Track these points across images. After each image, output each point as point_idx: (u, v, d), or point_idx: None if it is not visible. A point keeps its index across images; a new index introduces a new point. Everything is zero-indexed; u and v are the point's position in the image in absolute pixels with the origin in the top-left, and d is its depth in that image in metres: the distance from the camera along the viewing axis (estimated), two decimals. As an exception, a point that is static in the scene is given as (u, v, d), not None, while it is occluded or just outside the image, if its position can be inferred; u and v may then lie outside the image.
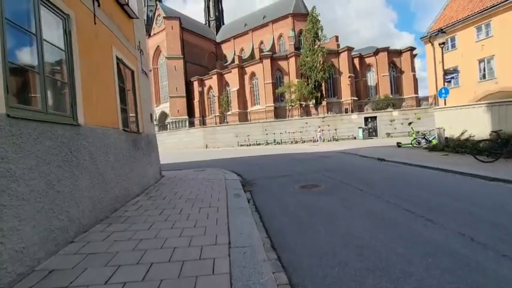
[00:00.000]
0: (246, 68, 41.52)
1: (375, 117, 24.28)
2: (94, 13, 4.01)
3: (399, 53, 40.66)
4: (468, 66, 18.25)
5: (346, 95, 37.33)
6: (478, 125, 8.06)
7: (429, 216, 3.40)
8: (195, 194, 5.20)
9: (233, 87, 41.55)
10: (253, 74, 41.19)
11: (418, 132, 12.58)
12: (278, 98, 38.33)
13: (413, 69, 40.50)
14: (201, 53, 51.27)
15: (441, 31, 10.56)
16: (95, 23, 4.05)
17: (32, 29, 2.70)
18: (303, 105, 33.45)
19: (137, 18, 5.98)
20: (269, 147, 22.46)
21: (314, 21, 32.05)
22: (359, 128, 23.34)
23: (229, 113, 39.90)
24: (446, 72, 11.08)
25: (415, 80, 40.41)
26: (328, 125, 25.01)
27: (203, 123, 34.26)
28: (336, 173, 7.03)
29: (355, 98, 36.76)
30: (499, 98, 12.52)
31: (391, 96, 35.85)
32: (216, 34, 57.75)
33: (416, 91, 39.55)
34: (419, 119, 21.83)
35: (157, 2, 51.35)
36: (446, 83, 10.90)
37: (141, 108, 6.08)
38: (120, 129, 4.67)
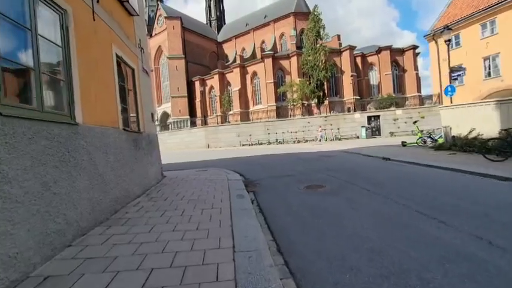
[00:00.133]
0: (248, 68, 41.41)
1: (378, 116, 24.07)
2: (93, 9, 3.89)
3: (402, 51, 40.39)
4: (473, 64, 18.00)
5: (349, 94, 37.12)
6: (487, 123, 7.88)
7: (442, 218, 3.25)
8: (197, 195, 5.08)
9: (235, 86, 41.46)
10: (254, 74, 41.08)
11: (422, 131, 12.38)
12: (280, 97, 38.21)
13: (416, 68, 40.25)
14: (202, 52, 51.21)
15: (447, 28, 10.35)
16: (94, 20, 3.93)
17: (26, 24, 2.58)
18: (305, 105, 33.29)
19: (137, 15, 5.86)
20: (271, 147, 22.32)
21: (316, 20, 31.86)
22: (362, 127, 23.15)
23: (231, 112, 39.81)
24: (452, 70, 10.88)
25: (418, 79, 40.14)
26: (331, 124, 24.83)
27: (205, 123, 34.19)
28: (340, 172, 6.88)
29: (358, 97, 36.54)
30: (504, 96, 12.31)
31: (393, 95, 35.58)
32: (218, 34, 57.67)
33: (419, 90, 39.28)
34: (423, 117, 21.59)
35: (158, 2, 51.41)
36: (452, 81, 10.70)
37: (141, 107, 5.96)
38: (120, 128, 4.56)
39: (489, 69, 17.65)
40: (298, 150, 15.52)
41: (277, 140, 25.62)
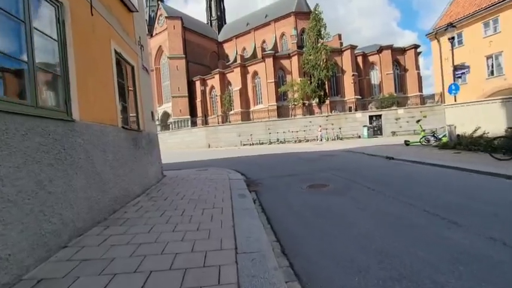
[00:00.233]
0: (249, 67, 41.32)
1: (380, 116, 23.92)
2: (91, 3, 3.78)
3: (403, 50, 40.19)
4: (476, 62, 17.84)
5: (350, 94, 36.96)
6: (492, 122, 7.74)
7: (451, 218, 3.13)
8: (197, 195, 4.97)
9: (235, 86, 41.37)
10: (255, 73, 40.98)
11: (424, 130, 12.24)
12: (281, 97, 38.09)
13: (417, 67, 40.04)
14: (203, 52, 51.13)
15: (451, 25, 10.22)
16: (92, 14, 3.82)
17: (20, 16, 2.48)
18: (306, 104, 33.16)
19: (137, 11, 5.76)
20: (272, 147, 22.21)
21: (317, 19, 31.71)
22: (364, 126, 23.01)
23: (231, 112, 39.69)
24: (456, 68, 10.73)
25: (420, 78, 39.93)
26: (332, 124, 24.70)
27: (205, 122, 34.09)
28: (344, 172, 6.76)
29: (359, 97, 36.38)
30: (508, 94, 12.17)
31: (395, 94, 35.41)
32: (218, 33, 57.57)
33: (420, 89, 39.08)
34: (425, 117, 21.43)
35: (159, 2, 51.33)
36: (456, 79, 10.56)
37: (141, 106, 5.86)
38: (119, 126, 4.45)
39: (492, 67, 17.50)
40: (300, 150, 15.40)
41: (278, 139, 25.50)
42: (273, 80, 38.54)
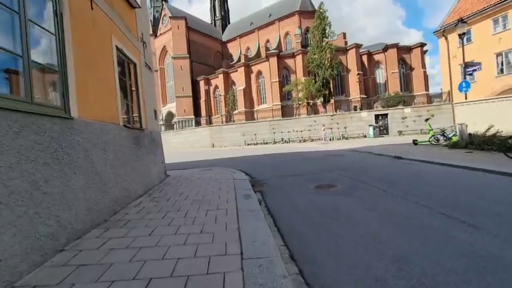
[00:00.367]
0: (253, 67, 41.17)
1: (386, 115, 23.56)
2: (90, -3, 3.66)
3: (409, 49, 39.64)
4: (485, 60, 17.36)
5: (355, 93, 36.57)
6: (506, 120, 7.47)
7: (470, 221, 2.93)
8: (201, 195, 4.82)
9: (239, 86, 41.26)
10: (259, 73, 40.81)
11: (431, 129, 11.93)
12: (285, 96, 37.86)
13: (423, 66, 39.47)
14: (207, 52, 51.13)
15: (462, 21, 9.92)
16: (92, 8, 3.69)
17: (14, 7, 2.35)
18: (311, 104, 32.88)
19: (139, 7, 5.64)
20: (277, 146, 22.02)
21: (322, 18, 31.43)
22: (370, 125, 22.68)
23: (235, 112, 39.58)
24: (467, 65, 10.43)
25: (426, 77, 39.35)
26: (338, 123, 24.41)
27: (209, 122, 34.04)
28: (351, 172, 6.56)
29: (364, 96, 35.98)
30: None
31: (401, 93, 34.92)
32: (222, 33, 57.56)
33: (427, 88, 38.50)
34: (432, 116, 21.03)
35: (163, 2, 51.41)
36: (467, 76, 10.26)
37: (144, 104, 5.74)
38: (120, 125, 4.32)
39: (502, 65, 17.07)
40: (305, 150, 15.20)
41: (282, 139, 25.29)
42: (277, 80, 38.34)
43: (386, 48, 39.24)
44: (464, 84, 9.74)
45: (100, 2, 3.95)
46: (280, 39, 46.94)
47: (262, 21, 50.00)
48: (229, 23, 61.09)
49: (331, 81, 33.13)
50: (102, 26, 4.01)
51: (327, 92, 32.27)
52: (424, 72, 39.12)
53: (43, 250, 2.37)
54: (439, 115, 21.50)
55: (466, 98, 9.78)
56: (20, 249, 2.13)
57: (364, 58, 39.20)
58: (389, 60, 39.06)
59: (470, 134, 8.42)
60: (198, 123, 34.10)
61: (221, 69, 44.83)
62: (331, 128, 23.91)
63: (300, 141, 24.39)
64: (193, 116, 42.10)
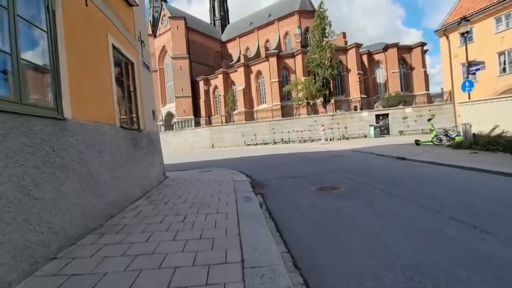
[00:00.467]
0: (252, 67, 41.04)
1: (387, 115, 23.43)
2: (85, -6, 3.53)
3: (409, 49, 39.49)
4: (487, 59, 17.20)
5: (355, 93, 36.43)
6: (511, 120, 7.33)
7: (484, 227, 2.80)
8: (200, 198, 4.69)
9: (239, 86, 41.12)
10: (259, 73, 40.68)
11: (433, 130, 11.79)
12: (285, 96, 37.72)
13: (424, 66, 39.31)
14: (206, 52, 50.99)
15: (465, 19, 9.79)
16: (87, 5, 3.56)
17: (2, 2, 2.22)
18: (311, 104, 32.75)
19: (137, 5, 5.51)
20: (277, 147, 21.89)
21: (322, 17, 31.30)
22: (370, 125, 22.54)
23: (235, 112, 39.43)
24: (470, 64, 10.29)
25: (426, 77, 39.22)
26: (338, 123, 24.27)
27: (209, 122, 33.90)
28: (354, 173, 6.43)
29: (364, 96, 35.84)
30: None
31: (401, 93, 34.78)
32: (222, 33, 57.43)
33: (427, 88, 38.35)
34: (433, 115, 20.92)
35: (162, 2, 51.28)
36: (470, 76, 10.12)
37: (142, 104, 5.61)
38: (117, 125, 4.19)
39: (504, 64, 16.93)
40: (305, 150, 15.07)
41: (282, 139, 25.15)
42: (277, 80, 38.21)
43: (386, 47, 39.10)
44: (467, 84, 9.61)
45: (96, -1, 3.83)
46: (279, 39, 46.81)
47: (261, 21, 49.87)
48: (228, 23, 60.96)
49: (331, 81, 32.99)
50: (97, 23, 3.88)
51: (327, 92, 32.14)
52: (425, 72, 38.98)
53: (33, 258, 2.24)
54: (440, 115, 21.38)
55: (469, 98, 9.65)
56: (9, 258, 2.00)
57: (364, 58, 39.06)
58: (389, 59, 38.92)
59: (474, 134, 8.29)
60: (197, 124, 33.96)
61: (221, 69, 44.70)
62: (332, 128, 23.78)
63: (300, 141, 24.26)
64: (192, 117, 41.93)
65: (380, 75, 40.18)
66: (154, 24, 50.76)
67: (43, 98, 2.74)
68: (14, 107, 2.23)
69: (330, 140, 22.54)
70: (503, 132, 7.41)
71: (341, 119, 24.63)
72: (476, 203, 3.59)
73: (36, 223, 2.31)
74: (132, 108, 5.25)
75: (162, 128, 40.06)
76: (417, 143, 11.48)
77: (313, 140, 23.79)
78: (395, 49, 38.68)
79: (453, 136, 9.89)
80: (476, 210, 3.33)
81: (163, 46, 47.52)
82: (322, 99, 32.18)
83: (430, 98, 31.20)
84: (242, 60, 42.22)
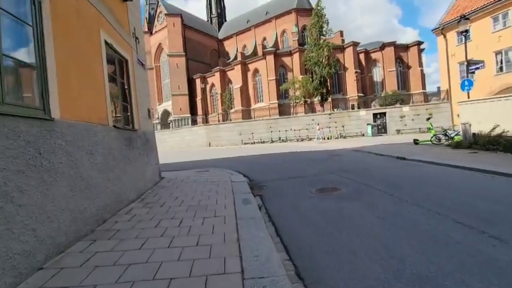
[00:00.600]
0: (249, 65, 40.75)
1: (384, 114, 23.39)
2: (75, -14, 3.34)
3: (406, 47, 39.48)
4: (484, 58, 17.17)
5: (352, 91, 36.36)
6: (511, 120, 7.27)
7: (492, 232, 2.69)
8: (197, 200, 4.55)
9: (236, 84, 40.83)
10: (256, 71, 40.42)
11: (430, 128, 11.74)
12: (282, 94, 37.55)
13: (420, 64, 39.35)
14: (203, 50, 50.54)
15: (464, 17, 9.72)
16: (77, -1, 3.38)
17: (-20, -8, 2.04)
18: (308, 102, 32.62)
19: (131, 0, 5.31)
20: (274, 145, 21.76)
21: (319, 15, 31.12)
22: (368, 124, 22.49)
23: (232, 110, 39.16)
24: (470, 63, 10.24)
25: (423, 75, 39.30)
26: (336, 122, 24.18)
27: (206, 121, 33.65)
28: (354, 173, 6.32)
29: (361, 94, 35.81)
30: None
31: (398, 91, 34.80)
32: (218, 31, 56.94)
33: (424, 86, 38.44)
34: (430, 114, 20.95)
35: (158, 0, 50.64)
36: (470, 75, 10.06)
37: (136, 103, 5.43)
38: (109, 125, 4.02)
39: (501, 63, 16.95)
40: (303, 149, 14.96)
41: (280, 138, 25.02)
42: (274, 78, 37.97)
43: (383, 46, 39.04)
44: (466, 83, 9.55)
45: (86, -8, 3.64)
46: (277, 37, 46.54)
47: (258, 19, 49.52)
48: (225, 20, 60.46)
49: (328, 80, 32.87)
50: (88, 18, 3.69)
51: (324, 91, 32.01)
52: (421, 71, 39.02)
53: (17, 270, 2.08)
54: (437, 114, 21.40)
55: (468, 97, 9.60)
56: (-12, 271, 1.84)
57: (362, 56, 38.95)
58: (386, 58, 38.88)
59: (474, 134, 8.23)
60: (194, 122, 33.66)
61: (217, 67, 44.32)
62: (329, 127, 23.68)
63: (297, 140, 24.15)
64: (189, 115, 41.54)
65: (377, 73, 40.15)
66: (151, 21, 50.12)
67: (28, 97, 2.56)
68: (-6, 106, 2.06)
69: (328, 138, 22.45)
70: (503, 132, 7.35)
71: (338, 118, 24.55)
72: (481, 206, 3.49)
73: (20, 232, 2.15)
74: (126, 107, 5.07)
75: (159, 126, 39.73)
76: (416, 142, 11.42)
77: (310, 139, 23.68)
78: (392, 48, 38.64)
79: (452, 135, 9.84)
80: (481, 212, 3.22)
81: (160, 43, 46.99)
82: (320, 98, 32.06)
83: (427, 97, 31.25)
84: (239, 58, 41.87)
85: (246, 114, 33.82)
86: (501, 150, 6.98)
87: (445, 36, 19.44)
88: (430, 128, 11.45)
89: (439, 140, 10.62)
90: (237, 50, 49.02)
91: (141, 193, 4.95)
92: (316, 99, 32.69)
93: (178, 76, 44.88)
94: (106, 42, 4.14)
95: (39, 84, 2.62)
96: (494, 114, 7.86)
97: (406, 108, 23.09)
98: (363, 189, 4.84)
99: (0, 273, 1.94)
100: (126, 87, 5.12)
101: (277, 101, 37.07)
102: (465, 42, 9.79)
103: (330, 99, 32.51)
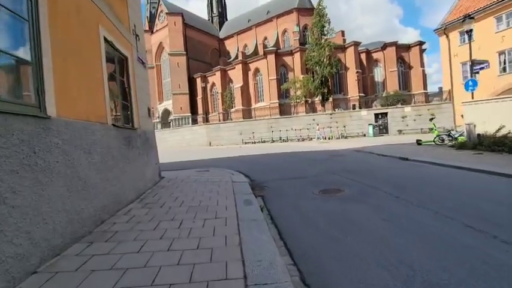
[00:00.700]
0: (250, 64, 40.64)
1: (386, 114, 23.27)
2: (73, -20, 3.24)
3: (408, 47, 39.31)
4: (486, 59, 17.10)
5: (353, 92, 36.23)
6: (517, 120, 7.16)
7: (504, 236, 2.59)
8: (198, 200, 4.45)
9: (237, 83, 40.72)
10: (257, 70, 40.31)
11: (436, 129, 11.62)
12: (283, 94, 37.44)
13: (422, 65, 39.20)
14: (204, 49, 50.44)
15: (469, 17, 9.60)
16: (75, -7, 3.28)
17: (-28, -16, 1.95)
18: (309, 102, 32.51)
19: (131, -4, 5.22)
20: (275, 145, 21.67)
21: (321, 14, 30.99)
22: (369, 124, 22.37)
23: (232, 109, 39.05)
24: (474, 62, 10.12)
25: (424, 76, 39.15)
26: (337, 122, 24.07)
27: (206, 120, 33.56)
28: (356, 174, 6.22)
29: (362, 94, 35.68)
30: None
31: (400, 92, 34.66)
32: (219, 30, 56.83)
33: (425, 87, 38.29)
34: (432, 115, 20.82)
35: (159, -2, 50.50)
36: (474, 75, 9.95)
37: (136, 101, 5.33)
38: (108, 124, 3.92)
39: (504, 64, 16.82)
40: (304, 149, 14.86)
41: (281, 138, 24.91)
42: (275, 77, 37.85)
43: (385, 46, 38.89)
44: (471, 83, 9.44)
45: (85, -13, 3.54)
46: (278, 36, 46.40)
47: (259, 18, 49.40)
48: (226, 19, 60.33)
49: (329, 79, 32.74)
50: (87, 14, 3.59)
51: (325, 90, 31.88)
52: (423, 71, 38.88)
53: (9, 275, 1.98)
54: (439, 114, 21.27)
55: (472, 97, 9.48)
56: (-23, 277, 1.74)
57: (363, 56, 38.81)
58: (388, 58, 38.73)
59: (479, 135, 8.11)
60: (194, 121, 33.57)
61: (218, 66, 44.21)
62: (330, 127, 23.57)
63: (298, 140, 24.05)
64: (190, 114, 41.42)
65: (378, 73, 40.01)
66: (152, 20, 50.01)
67: (23, 94, 2.46)
68: (-14, 103, 1.97)
69: (329, 138, 22.34)
70: (509, 132, 7.24)
71: (340, 118, 24.43)
72: (489, 208, 3.39)
73: (13, 234, 2.06)
74: (125, 106, 4.98)
75: (159, 126, 39.65)
76: (419, 142, 11.31)
77: (311, 139, 23.59)
78: (394, 48, 38.48)
79: (456, 136, 9.74)
80: (492, 216, 3.12)
81: (160, 42, 46.89)
82: (321, 98, 31.94)
83: (428, 97, 31.13)
84: (240, 58, 41.74)
85: (247, 114, 33.74)
86: (507, 152, 6.88)
87: (447, 36, 19.30)
88: (433, 129, 11.32)
89: (443, 140, 10.50)
90: (237, 50, 48.91)
91: (140, 193, 4.85)
92: (317, 99, 32.58)
93: (179, 75, 44.79)
94: (105, 39, 4.04)
95: (35, 80, 2.53)
96: (500, 114, 7.75)
97: (408, 109, 22.97)
98: (367, 190, 4.74)
99: (-8, 278, 1.84)
100: (125, 85, 5.02)
101: (278, 101, 36.96)
102: (469, 42, 9.67)
103: (331, 99, 32.39)
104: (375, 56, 39.74)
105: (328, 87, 32.29)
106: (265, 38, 48.02)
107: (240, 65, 40.26)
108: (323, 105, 31.01)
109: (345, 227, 3.14)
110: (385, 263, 2.27)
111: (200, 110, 43.46)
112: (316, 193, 4.79)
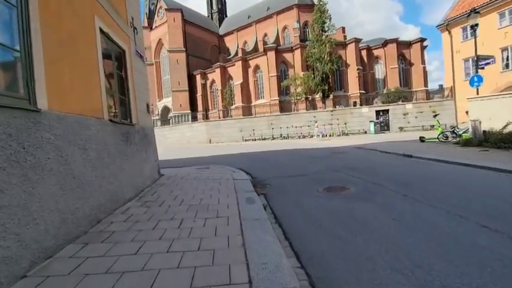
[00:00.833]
0: (250, 61, 40.34)
1: (387, 111, 23.11)
2: (66, -34, 3.06)
3: (408, 44, 39.05)
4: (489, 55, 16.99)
5: (354, 88, 36.01)
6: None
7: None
8: (198, 199, 4.31)
9: (236, 80, 40.46)
10: (257, 67, 40.03)
11: (440, 126, 11.46)
12: (283, 91, 37.21)
13: (423, 61, 38.97)
14: (203, 46, 50.06)
15: (474, 11, 9.41)
16: (68, -20, 3.10)
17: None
18: (309, 99, 32.32)
19: (128, -13, 5.03)
20: (276, 142, 21.51)
21: (322, 10, 30.70)
22: (371, 121, 22.22)
23: (232, 106, 38.84)
24: (479, 58, 9.94)
25: (425, 73, 38.93)
26: (338, 119, 23.91)
27: (206, 117, 33.35)
28: (360, 171, 6.08)
29: (363, 91, 35.47)
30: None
31: (401, 88, 34.47)
32: (219, 27, 56.38)
33: (426, 84, 38.10)
34: (435, 112, 20.64)
35: (159, -6, 49.99)
36: (478, 70, 9.77)
37: (134, 96, 5.16)
38: (105, 119, 3.76)
39: (507, 60, 16.65)
40: (306, 146, 14.70)
41: (281, 135, 24.76)
42: (275, 74, 37.59)
43: (385, 43, 38.63)
44: (476, 79, 9.27)
45: (79, -26, 3.36)
46: (278, 33, 46.00)
47: (259, 15, 48.96)
48: (226, 16, 59.84)
49: (330, 76, 32.52)
50: (81, 2, 3.42)
51: (326, 87, 31.70)
52: (424, 68, 38.66)
53: (-4, 279, 1.84)
54: (441, 111, 21.04)
55: (477, 93, 9.32)
56: (-41, 283, 1.59)
57: (364, 53, 38.54)
58: (388, 55, 38.46)
59: (484, 132, 7.95)
60: (194, 118, 33.38)
61: (218, 63, 43.88)
62: (331, 124, 23.41)
63: (299, 137, 23.91)
64: (189, 111, 41.19)
65: (379, 70, 39.77)
66: (151, 16, 49.54)
67: (10, 85, 2.30)
68: (-32, 94, 1.80)
69: (330, 135, 22.19)
70: (516, 129, 7.11)
71: (341, 115, 24.27)
72: (503, 207, 3.24)
73: (0, 236, 1.91)
74: (123, 100, 4.81)
75: (159, 123, 39.41)
76: (422, 139, 11.15)
77: (312, 136, 23.43)
78: (395, 45, 38.20)
79: (460, 133, 9.58)
80: (506, 216, 2.97)
81: (160, 39, 46.50)
82: (321, 94, 31.74)
83: (429, 94, 30.97)
84: (240, 54, 41.42)
85: (247, 111, 33.51)
86: (512, 148, 6.75)
87: (449, 33, 19.09)
88: (436, 126, 11.15)
89: (447, 137, 10.35)
90: (237, 46, 48.53)
91: (138, 191, 4.70)
92: (318, 96, 32.38)
93: (179, 72, 44.49)
94: (101, 31, 3.86)
95: (24, 71, 2.36)
96: (506, 110, 7.59)
97: (409, 106, 22.81)
98: (373, 188, 4.60)
99: (-24, 284, 1.70)
100: (123, 78, 4.85)
101: (278, 98, 36.75)
102: (475, 37, 9.50)
103: (331, 96, 32.20)
104: (375, 52, 39.49)
105: (328, 84, 32.10)
106: (265, 35, 47.64)
107: (240, 61, 39.96)
108: (324, 102, 30.84)
109: (353, 227, 2.99)
110: (400, 266, 2.12)
111: (200, 107, 43.24)
112: (320, 191, 4.64)
